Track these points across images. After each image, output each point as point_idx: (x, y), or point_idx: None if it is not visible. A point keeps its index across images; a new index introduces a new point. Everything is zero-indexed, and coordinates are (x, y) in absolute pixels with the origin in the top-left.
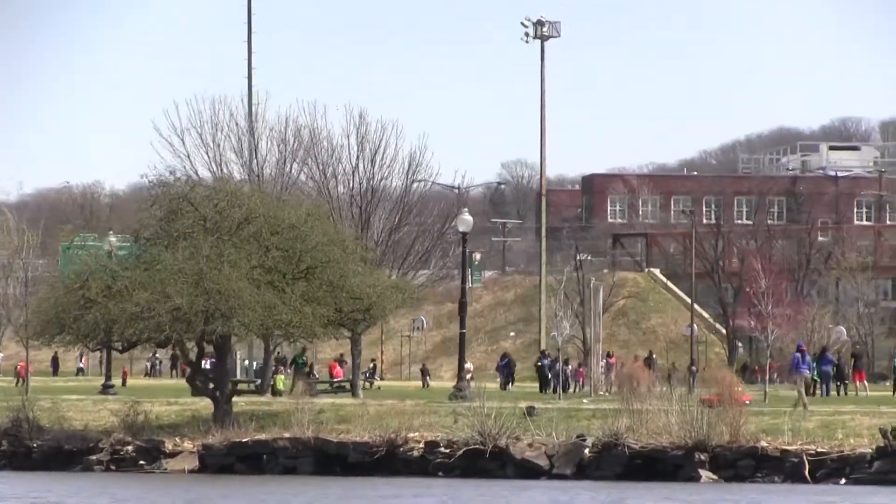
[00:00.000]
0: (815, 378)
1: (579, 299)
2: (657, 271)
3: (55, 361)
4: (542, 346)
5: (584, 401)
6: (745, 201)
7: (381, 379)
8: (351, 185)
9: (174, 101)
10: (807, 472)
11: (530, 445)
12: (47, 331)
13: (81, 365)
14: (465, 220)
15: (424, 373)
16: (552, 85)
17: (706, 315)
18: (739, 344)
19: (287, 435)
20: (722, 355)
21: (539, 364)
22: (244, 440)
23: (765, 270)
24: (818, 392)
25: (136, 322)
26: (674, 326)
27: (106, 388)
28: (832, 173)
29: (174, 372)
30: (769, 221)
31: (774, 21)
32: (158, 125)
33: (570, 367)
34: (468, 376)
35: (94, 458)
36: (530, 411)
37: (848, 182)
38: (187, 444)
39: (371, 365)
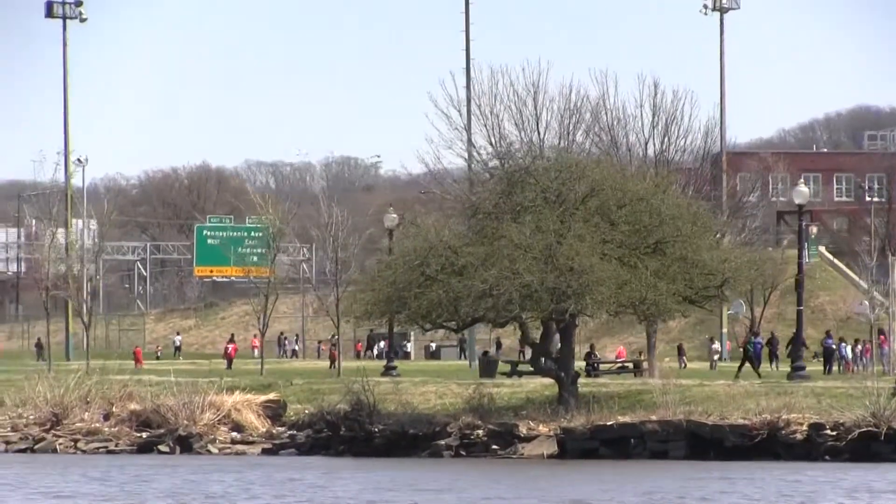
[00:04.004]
0: None
1: None
2: (823, 249)
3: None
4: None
5: None
6: (877, 179)
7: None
8: (643, 155)
9: (451, 71)
10: None
11: None
12: (386, 309)
13: (178, 342)
14: (802, 192)
15: (681, 351)
16: None
17: (876, 294)
18: None
19: (655, 418)
20: None
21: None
22: (609, 423)
23: None
24: None
25: (483, 300)
26: (843, 304)
27: (389, 370)
28: None
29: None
30: None
31: None
32: (435, 96)
33: (858, 346)
34: (715, 356)
35: (442, 442)
36: None
37: None
38: (542, 428)
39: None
